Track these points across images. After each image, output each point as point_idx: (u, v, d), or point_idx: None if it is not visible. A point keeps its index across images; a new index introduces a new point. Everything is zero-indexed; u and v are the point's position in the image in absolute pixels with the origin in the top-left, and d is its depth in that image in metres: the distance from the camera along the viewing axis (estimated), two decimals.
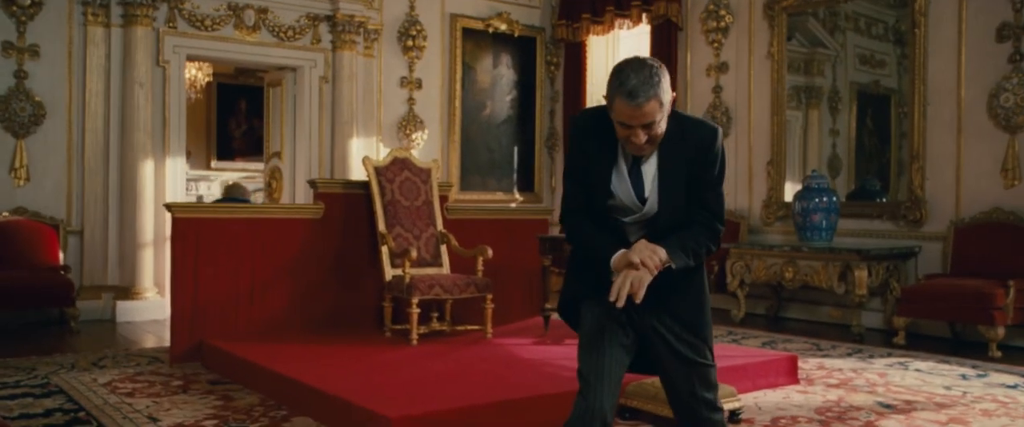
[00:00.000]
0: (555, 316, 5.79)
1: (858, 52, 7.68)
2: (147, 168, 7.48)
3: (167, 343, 5.82)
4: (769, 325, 7.24)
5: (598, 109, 2.42)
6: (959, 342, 6.36)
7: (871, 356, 5.78)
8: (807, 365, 5.33)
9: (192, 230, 5.52)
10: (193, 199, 11.34)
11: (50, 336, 6.50)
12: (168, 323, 5.89)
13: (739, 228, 8.01)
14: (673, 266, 2.32)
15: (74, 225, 7.35)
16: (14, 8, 7.09)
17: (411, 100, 9.17)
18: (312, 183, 6.29)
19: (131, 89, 7.41)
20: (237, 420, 4.02)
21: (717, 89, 8.41)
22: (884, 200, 7.30)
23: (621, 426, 3.99)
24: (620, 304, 2.26)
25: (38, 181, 7.21)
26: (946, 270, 6.60)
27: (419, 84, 9.21)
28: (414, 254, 5.57)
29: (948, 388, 4.80)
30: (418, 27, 9.10)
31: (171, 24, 7.73)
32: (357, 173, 8.31)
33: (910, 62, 6.97)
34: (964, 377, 5.10)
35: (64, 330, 6.72)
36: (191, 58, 8.55)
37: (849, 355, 5.82)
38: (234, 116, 13.07)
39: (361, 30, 8.67)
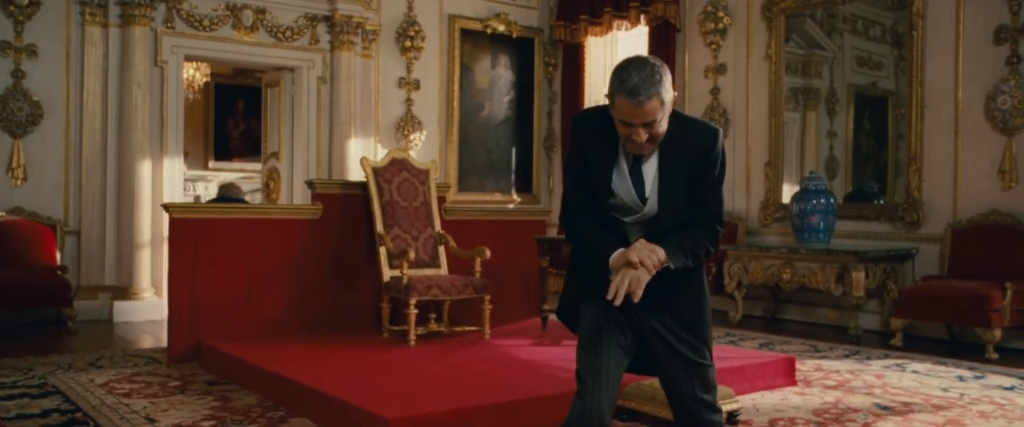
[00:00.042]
0: (553, 317, 5.79)
1: (856, 54, 7.69)
2: (145, 168, 7.47)
3: (164, 343, 5.82)
4: (767, 327, 7.24)
5: (599, 108, 2.43)
6: (956, 344, 6.37)
7: (868, 358, 5.78)
8: (805, 367, 5.33)
9: (190, 230, 5.51)
10: (191, 199, 11.34)
11: (47, 336, 6.49)
12: (165, 323, 5.90)
13: (737, 230, 8.01)
14: (671, 266, 2.33)
15: (71, 225, 7.34)
16: (11, 8, 7.08)
17: (409, 101, 9.17)
18: (310, 184, 6.28)
19: (129, 89, 7.40)
20: (235, 421, 4.02)
21: (715, 90, 8.42)
22: (881, 202, 7.31)
23: None
24: (618, 302, 2.26)
25: (35, 181, 7.20)
26: (943, 272, 6.61)
27: (417, 85, 9.21)
28: (412, 255, 5.57)
29: (945, 390, 4.80)
30: (416, 28, 9.11)
31: (169, 24, 7.72)
32: (355, 174, 8.31)
33: (908, 64, 6.98)
34: (961, 379, 5.11)
35: (61, 330, 6.71)
36: (189, 58, 8.56)
37: (846, 357, 5.83)
38: (232, 116, 13.07)
39: (359, 31, 8.67)
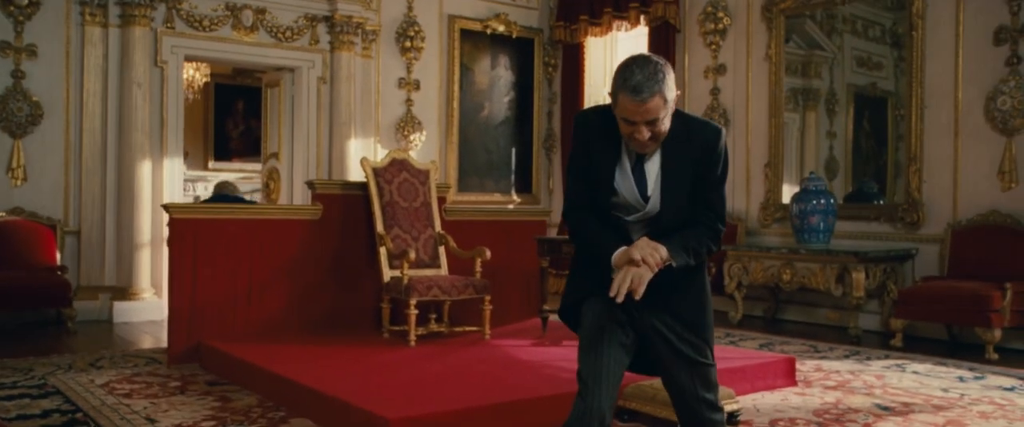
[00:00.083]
0: (553, 317, 5.79)
1: (855, 54, 7.70)
2: (145, 168, 7.46)
3: (164, 344, 5.82)
4: (767, 327, 7.24)
5: (602, 107, 2.44)
6: (956, 344, 6.37)
7: (868, 358, 5.79)
8: (805, 367, 5.33)
9: (190, 231, 5.51)
10: (190, 200, 11.33)
11: (47, 336, 6.49)
12: (165, 324, 5.89)
13: (737, 230, 8.02)
14: (674, 264, 2.34)
15: (71, 225, 7.34)
16: (11, 8, 7.08)
17: (409, 101, 9.17)
18: (310, 184, 6.28)
19: (129, 89, 7.40)
20: (235, 421, 4.02)
21: (715, 91, 8.43)
22: (881, 202, 7.31)
23: None
24: (619, 299, 2.27)
25: (35, 181, 7.20)
26: (943, 272, 6.62)
27: (417, 85, 9.21)
28: (412, 255, 5.57)
29: (945, 390, 4.80)
30: (416, 28, 9.11)
31: (169, 24, 7.72)
32: (355, 174, 8.31)
33: (907, 65, 6.98)
34: (961, 379, 5.11)
35: (61, 331, 6.71)
36: (189, 58, 8.55)
37: (846, 357, 5.83)
38: (232, 117, 13.07)
39: (359, 31, 8.67)
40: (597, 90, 9.74)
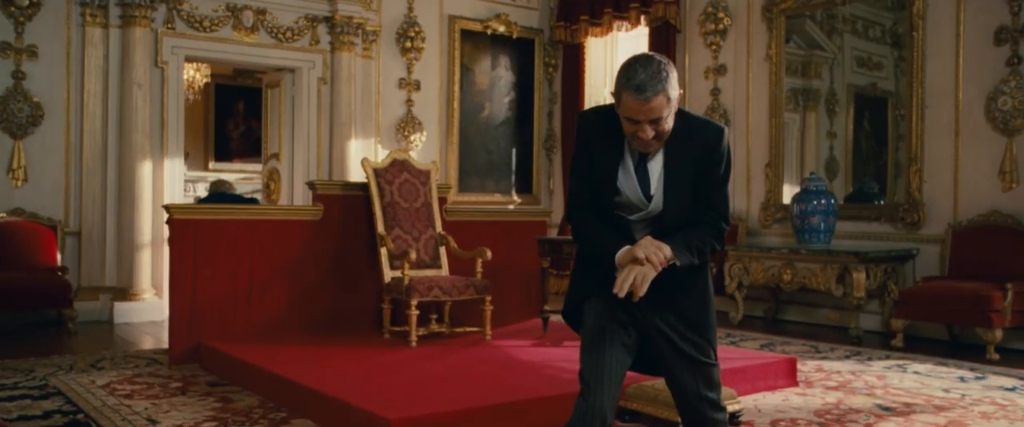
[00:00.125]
0: (554, 318, 5.79)
1: (856, 54, 7.70)
2: (145, 169, 7.46)
3: (165, 344, 5.82)
4: (767, 327, 7.24)
5: (604, 107, 2.45)
6: (957, 345, 6.37)
7: (869, 358, 5.79)
8: (806, 367, 5.33)
9: (190, 231, 5.51)
10: (191, 200, 11.33)
11: (48, 337, 6.49)
12: (166, 324, 5.89)
13: (737, 230, 8.02)
14: (677, 263, 2.33)
15: (72, 226, 7.34)
16: (12, 8, 7.08)
17: (409, 102, 9.17)
18: (311, 184, 6.28)
19: (129, 90, 7.40)
20: (236, 422, 4.02)
21: (715, 91, 8.43)
22: (882, 202, 7.31)
23: None
24: (621, 295, 2.26)
25: (36, 182, 7.20)
26: (944, 273, 6.62)
27: (417, 86, 9.22)
28: (413, 256, 5.57)
29: (946, 390, 4.80)
30: (416, 28, 9.11)
31: (169, 25, 7.72)
32: (355, 175, 8.31)
33: (908, 65, 6.98)
34: (962, 380, 5.11)
35: (62, 331, 6.71)
36: (189, 59, 8.55)
37: (847, 357, 5.83)
38: (232, 117, 13.07)
39: (359, 31, 8.67)
40: (597, 90, 9.74)
